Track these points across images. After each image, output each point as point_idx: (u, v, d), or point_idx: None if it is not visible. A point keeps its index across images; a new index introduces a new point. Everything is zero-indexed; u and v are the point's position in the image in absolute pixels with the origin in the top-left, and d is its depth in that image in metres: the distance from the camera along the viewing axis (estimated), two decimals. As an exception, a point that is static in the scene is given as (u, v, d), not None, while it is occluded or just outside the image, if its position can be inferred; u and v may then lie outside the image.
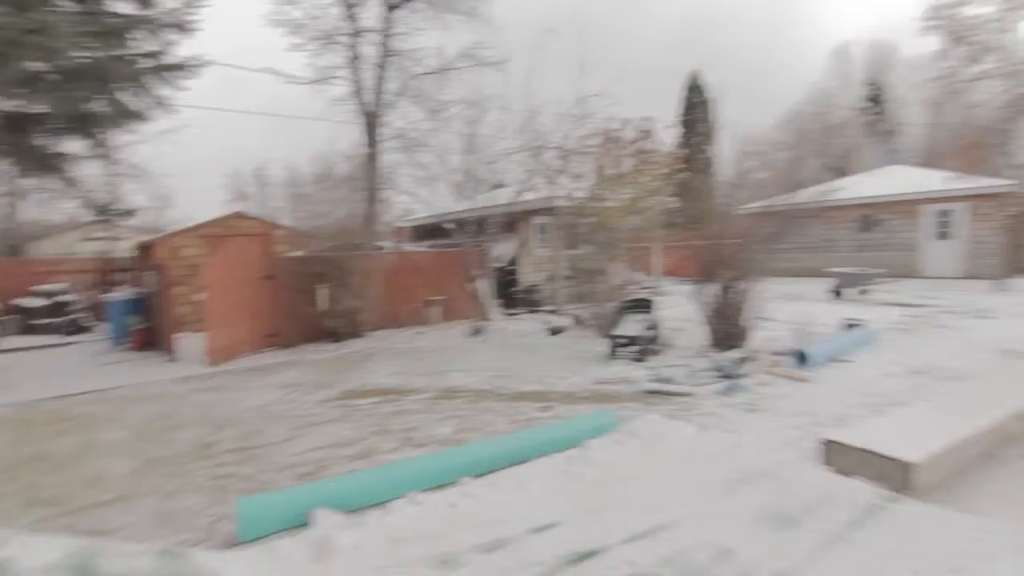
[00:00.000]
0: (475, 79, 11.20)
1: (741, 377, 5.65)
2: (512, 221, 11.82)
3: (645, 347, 6.73)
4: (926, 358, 6.24)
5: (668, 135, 10.41)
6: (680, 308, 8.37)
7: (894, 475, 2.76)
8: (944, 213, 16.10)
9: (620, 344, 6.77)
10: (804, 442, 3.77)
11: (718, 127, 20.62)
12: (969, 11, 11.74)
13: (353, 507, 2.98)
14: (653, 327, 7.13)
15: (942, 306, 10.27)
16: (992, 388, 4.04)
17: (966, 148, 14.89)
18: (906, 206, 16.79)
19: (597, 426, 4.03)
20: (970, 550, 1.93)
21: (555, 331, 8.92)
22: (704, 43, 48.11)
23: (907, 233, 16.86)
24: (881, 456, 2.84)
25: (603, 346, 7.17)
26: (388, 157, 12.03)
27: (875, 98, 30.99)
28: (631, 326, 6.86)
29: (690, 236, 8.20)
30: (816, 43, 53.84)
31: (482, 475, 3.19)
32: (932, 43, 12.32)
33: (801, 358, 5.95)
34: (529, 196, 10.44)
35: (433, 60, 11.74)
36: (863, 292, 11.54)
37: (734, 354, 6.18)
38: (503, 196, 10.87)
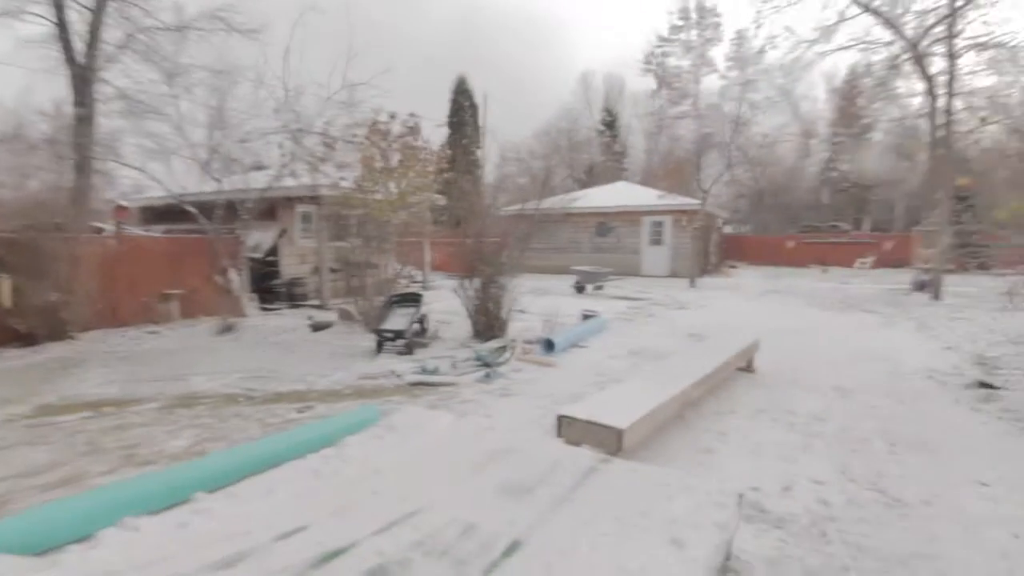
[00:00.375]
0: (224, 46, 9.94)
1: (499, 365, 6.12)
2: (272, 208, 10.83)
3: (412, 340, 6.82)
4: (641, 342, 7.58)
5: (436, 134, 10.74)
6: (447, 302, 8.69)
7: (610, 440, 3.30)
8: (657, 224, 19.78)
9: (387, 338, 6.74)
10: (545, 419, 4.25)
11: (483, 131, 21.90)
12: (672, 61, 14.62)
13: (45, 547, 2.40)
14: (421, 321, 7.27)
15: (654, 299, 12.59)
16: (682, 364, 5.10)
17: (671, 172, 18.41)
18: (631, 216, 20.17)
19: (357, 422, 3.93)
20: (656, 494, 2.41)
21: (319, 327, 8.47)
22: (473, 50, 50.67)
23: (632, 239, 20.27)
24: (600, 425, 3.36)
25: (370, 341, 7.06)
26: (108, 122, 9.93)
27: (610, 123, 36.52)
28: (398, 320, 6.89)
29: (456, 233, 8.56)
30: (567, 67, 61.04)
31: (221, 487, 2.86)
32: (648, 82, 15.00)
33: (548, 345, 6.69)
34: (290, 182, 9.68)
35: (169, 15, 10.06)
36: (598, 288, 13.52)
37: (493, 344, 6.66)
38: (261, 180, 9.89)
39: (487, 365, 5.98)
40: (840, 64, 33.76)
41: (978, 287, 15.57)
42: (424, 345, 7.11)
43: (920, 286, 14.05)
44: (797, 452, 3.78)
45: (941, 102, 13.63)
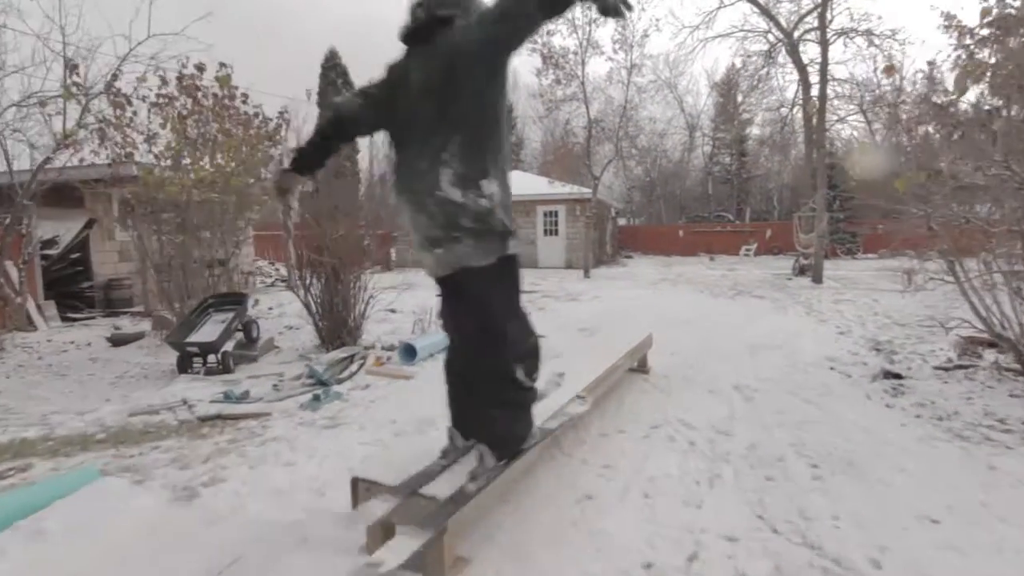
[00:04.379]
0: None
1: (340, 381, 4.79)
2: (78, 194, 8.62)
3: (232, 354, 5.29)
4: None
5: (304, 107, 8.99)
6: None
7: (434, 517, 2.12)
8: (551, 214, 19.12)
9: (193, 354, 5.15)
10: (370, 464, 3.00)
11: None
12: (558, 41, 13.86)
13: None
14: (246, 328, 5.73)
15: (545, 291, 11.73)
16: (564, 370, 4.09)
17: (560, 157, 17.74)
18: (525, 206, 19.33)
19: (56, 494, 2.49)
20: None
21: (121, 340, 6.62)
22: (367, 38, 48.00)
23: (527, 229, 19.44)
24: (421, 496, 2.13)
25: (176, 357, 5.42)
26: None
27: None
28: (210, 330, 5.31)
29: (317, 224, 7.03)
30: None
31: None
32: (535, 63, 14.13)
33: (409, 352, 5.44)
34: (94, 160, 7.61)
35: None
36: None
37: (338, 354, 5.29)
38: (55, 159, 7.70)
39: (322, 383, 4.62)
40: (721, 60, 35.42)
41: (851, 270, 16.36)
42: (252, 359, 5.59)
43: (801, 270, 14.39)
44: (702, 489, 2.82)
45: (814, 91, 13.96)
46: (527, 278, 13.01)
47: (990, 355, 5.38)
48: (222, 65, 6.15)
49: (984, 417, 3.75)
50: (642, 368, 5.07)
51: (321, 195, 6.35)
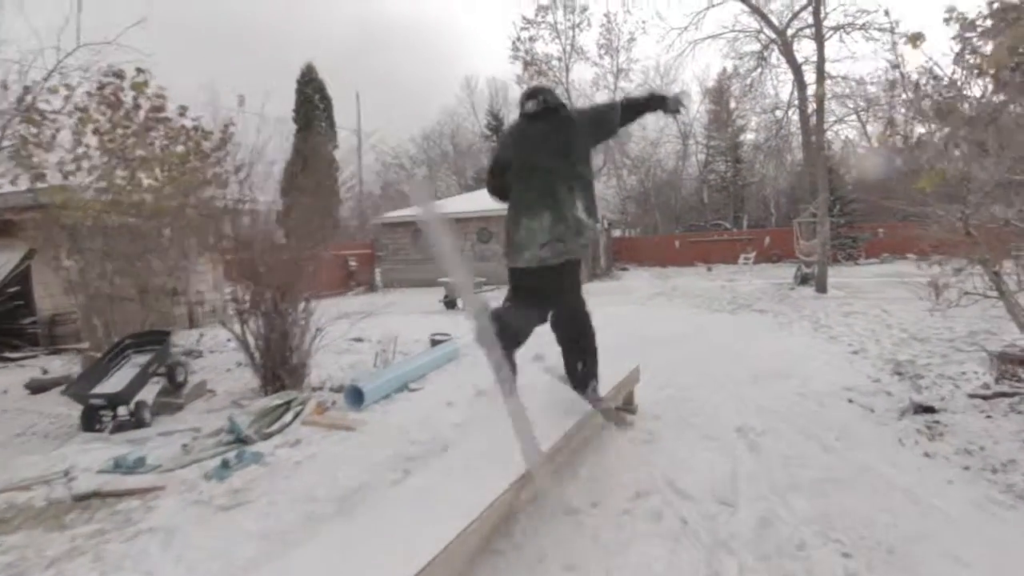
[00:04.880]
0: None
1: (269, 436, 4.02)
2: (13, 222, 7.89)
3: (145, 405, 4.51)
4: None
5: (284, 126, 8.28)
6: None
7: None
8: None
9: (99, 407, 4.38)
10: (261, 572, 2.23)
11: (336, 129, 19.52)
12: (541, 47, 13.26)
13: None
14: (170, 372, 4.96)
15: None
16: (533, 414, 3.34)
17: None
18: (514, 220, 18.64)
19: None
20: None
21: (39, 387, 5.85)
22: (354, 54, 47.89)
23: (516, 245, 18.74)
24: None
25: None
26: None
27: (495, 128, 35.22)
28: (120, 377, 4.54)
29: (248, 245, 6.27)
30: (450, 72, 59.73)
31: None
32: (517, 70, 13.51)
33: (356, 396, 4.67)
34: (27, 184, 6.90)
35: None
36: (471, 301, 11.66)
37: (271, 401, 4.51)
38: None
39: (241, 441, 3.84)
40: (712, 66, 35.04)
41: (854, 277, 15.62)
42: (177, 408, 4.81)
43: (803, 279, 13.64)
44: (697, 608, 2.05)
45: (810, 91, 13.34)
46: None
47: (1035, 378, 4.62)
48: (139, 71, 5.43)
49: (1052, 468, 2.99)
50: (628, 407, 4.30)
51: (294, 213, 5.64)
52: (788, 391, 4.73)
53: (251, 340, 5.12)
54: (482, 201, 20.96)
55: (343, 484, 3.20)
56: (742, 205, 31.07)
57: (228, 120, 6.49)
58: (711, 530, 2.55)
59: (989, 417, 3.92)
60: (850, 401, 4.38)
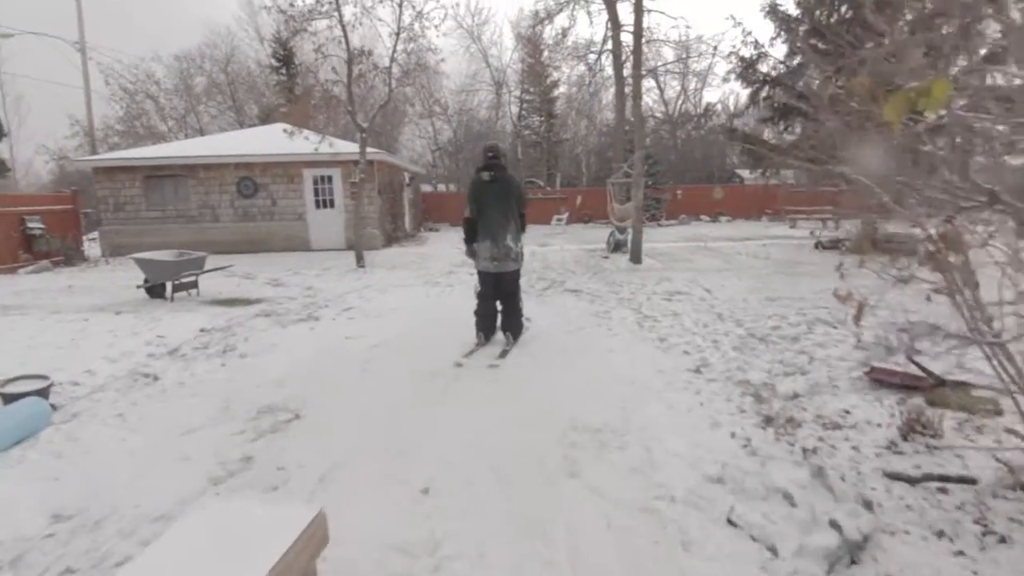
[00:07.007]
0: None
1: None
2: None
3: None
4: (108, 471, 2.80)
5: None
6: None
7: None
8: (324, 179, 14.85)
9: None
10: None
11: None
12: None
13: None
14: None
15: (274, 300, 7.86)
16: None
17: (302, 104, 13.66)
18: (288, 169, 14.78)
19: None
20: None
21: None
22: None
23: (292, 200, 14.98)
24: None
25: None
26: None
27: (285, 59, 29.50)
28: None
29: None
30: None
31: None
32: None
33: None
34: None
35: None
36: (187, 287, 8.03)
37: None
38: None
39: None
40: (526, 7, 33.17)
41: (661, 240, 15.10)
42: None
43: (616, 246, 12.48)
44: None
45: (626, 38, 11.78)
46: (271, 270, 8.56)
47: (950, 422, 3.14)
48: None
49: None
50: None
51: None
52: (626, 494, 2.60)
53: None
54: (249, 144, 16.29)
55: None
56: (556, 163, 30.36)
57: None
58: None
59: (939, 537, 2.19)
60: (732, 524, 2.36)
